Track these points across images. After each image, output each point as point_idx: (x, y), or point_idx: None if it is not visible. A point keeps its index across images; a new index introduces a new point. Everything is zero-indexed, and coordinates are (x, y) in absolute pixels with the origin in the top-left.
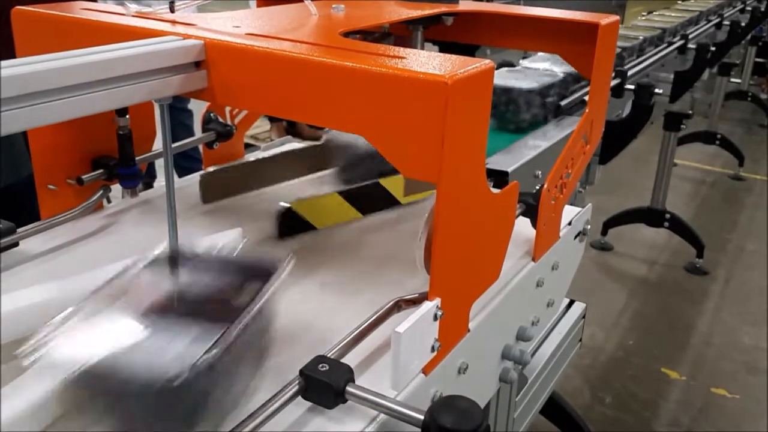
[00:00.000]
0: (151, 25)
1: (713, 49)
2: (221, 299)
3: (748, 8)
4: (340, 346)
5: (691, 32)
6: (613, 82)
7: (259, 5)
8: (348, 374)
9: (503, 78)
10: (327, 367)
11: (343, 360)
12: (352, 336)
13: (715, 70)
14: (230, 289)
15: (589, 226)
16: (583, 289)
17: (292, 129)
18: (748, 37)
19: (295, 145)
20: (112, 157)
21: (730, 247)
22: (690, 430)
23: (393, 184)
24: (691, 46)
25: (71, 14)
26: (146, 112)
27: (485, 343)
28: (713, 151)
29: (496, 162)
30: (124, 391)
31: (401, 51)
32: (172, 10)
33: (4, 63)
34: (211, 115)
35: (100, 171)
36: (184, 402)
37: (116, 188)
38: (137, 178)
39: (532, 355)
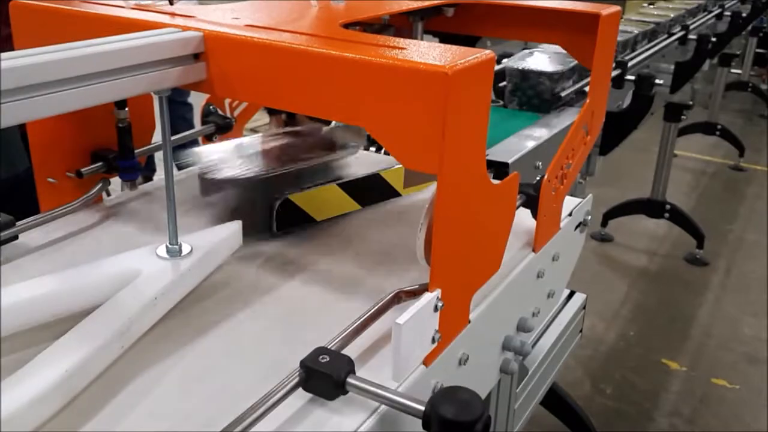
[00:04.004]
0: (150, 17)
1: (714, 39)
2: None
3: None
4: (340, 337)
5: (692, 23)
6: (614, 73)
7: None
8: (348, 366)
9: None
10: (327, 359)
11: (344, 351)
12: (352, 328)
13: (716, 61)
14: None
15: (589, 217)
16: (584, 280)
17: (291, 121)
18: (749, 27)
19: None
20: (112, 149)
21: (731, 237)
22: (690, 421)
23: (393, 176)
24: (691, 36)
25: (69, 6)
26: (145, 105)
27: (486, 334)
28: (714, 142)
29: (497, 153)
30: None
31: (401, 42)
32: (171, 2)
33: (4, 55)
34: (211, 107)
35: (100, 164)
36: None
37: (116, 181)
38: (136, 170)
39: (533, 346)
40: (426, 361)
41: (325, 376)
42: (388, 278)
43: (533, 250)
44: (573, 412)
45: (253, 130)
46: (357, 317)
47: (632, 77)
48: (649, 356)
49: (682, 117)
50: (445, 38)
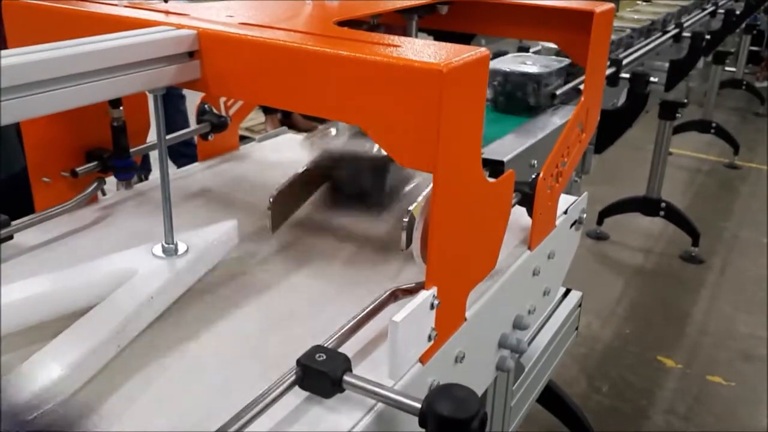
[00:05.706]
0: (144, 15)
1: (708, 37)
2: None
3: None
4: (337, 336)
5: (686, 20)
6: (609, 71)
7: None
8: (345, 364)
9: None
10: (324, 357)
11: (341, 350)
12: (349, 326)
13: (710, 59)
14: None
15: (584, 215)
16: (580, 279)
17: (286, 120)
18: (743, 25)
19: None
20: (107, 149)
21: (726, 235)
22: (686, 418)
23: None
24: (686, 34)
25: (63, 5)
26: (140, 104)
27: (482, 331)
28: (708, 140)
29: (492, 151)
30: None
31: (396, 39)
32: (165, 0)
33: None
34: (206, 106)
35: (95, 163)
36: None
37: (111, 181)
38: (132, 170)
39: (529, 343)
40: (422, 359)
41: (321, 374)
42: (384, 276)
43: (529, 248)
44: (569, 410)
45: (249, 129)
46: (353, 315)
47: (627, 75)
48: (644, 354)
49: (677, 115)
50: (440, 36)
